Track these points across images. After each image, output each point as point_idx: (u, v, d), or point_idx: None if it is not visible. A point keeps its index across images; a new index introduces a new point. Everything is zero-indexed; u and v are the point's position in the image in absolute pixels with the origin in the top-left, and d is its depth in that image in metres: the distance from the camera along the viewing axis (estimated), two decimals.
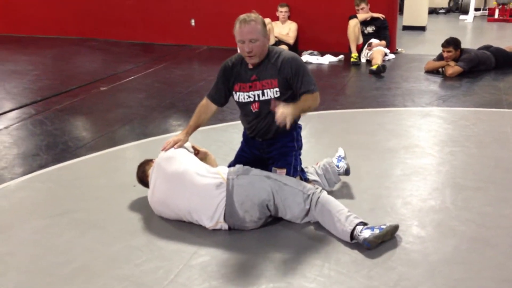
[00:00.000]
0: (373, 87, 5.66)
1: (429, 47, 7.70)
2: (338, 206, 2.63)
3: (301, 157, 3.04)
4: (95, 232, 2.74)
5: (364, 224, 2.55)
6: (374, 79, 6.02)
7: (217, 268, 2.39)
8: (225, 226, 2.67)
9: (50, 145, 4.03)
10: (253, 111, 2.88)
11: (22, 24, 9.33)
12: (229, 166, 3.00)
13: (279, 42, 7.15)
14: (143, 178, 2.96)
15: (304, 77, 2.78)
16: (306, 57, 6.95)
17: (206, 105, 3.00)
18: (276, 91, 2.81)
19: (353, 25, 6.92)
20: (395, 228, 2.57)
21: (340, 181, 3.14)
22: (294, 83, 2.79)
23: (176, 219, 2.78)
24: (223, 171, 2.74)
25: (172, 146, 2.85)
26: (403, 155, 3.68)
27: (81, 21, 8.94)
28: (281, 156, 2.93)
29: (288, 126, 2.58)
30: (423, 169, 3.43)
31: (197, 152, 3.04)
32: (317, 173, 3.09)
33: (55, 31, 9.13)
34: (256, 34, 2.70)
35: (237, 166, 2.79)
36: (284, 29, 7.36)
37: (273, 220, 2.77)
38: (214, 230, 2.68)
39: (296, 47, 7.41)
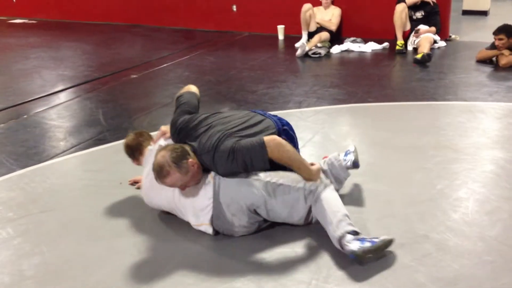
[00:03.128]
0: (414, 78, 5.22)
1: (488, 34, 7.04)
2: (335, 206, 2.36)
3: (314, 153, 2.76)
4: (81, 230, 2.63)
5: (356, 233, 2.26)
6: (418, 69, 5.57)
7: (193, 281, 2.21)
8: (209, 230, 2.48)
9: (56, 137, 4.00)
10: None
11: (73, 11, 9.50)
12: None
13: (320, 28, 6.80)
14: (135, 148, 2.80)
15: (244, 157, 2.40)
16: (347, 45, 6.57)
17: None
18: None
19: (400, 10, 6.45)
20: (389, 242, 2.27)
21: (349, 176, 2.83)
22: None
23: (164, 210, 2.64)
24: None
25: (160, 138, 2.69)
26: (430, 157, 3.31)
27: (127, 7, 8.97)
28: None
29: None
30: (450, 174, 3.06)
31: None
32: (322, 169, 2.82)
33: (103, 18, 9.22)
34: (179, 182, 2.42)
35: None
36: (327, 15, 6.99)
37: (270, 225, 2.54)
38: (202, 235, 2.49)
39: (340, 34, 7.03)
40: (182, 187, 2.45)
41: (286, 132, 2.78)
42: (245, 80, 5.39)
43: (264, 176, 2.44)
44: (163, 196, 2.58)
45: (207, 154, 2.44)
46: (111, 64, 6.28)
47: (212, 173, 2.48)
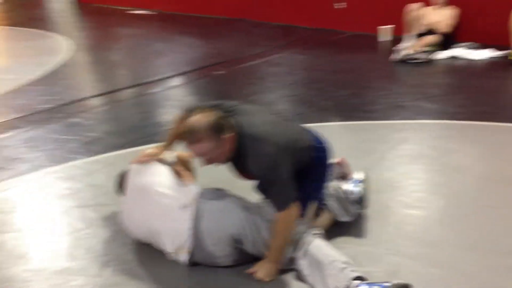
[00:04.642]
0: None
1: None
2: (330, 256, 2.02)
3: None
4: None
5: (362, 279, 1.94)
6: None
7: None
8: (185, 259, 2.19)
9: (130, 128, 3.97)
10: None
11: (182, 4, 9.72)
12: None
13: (429, 31, 6.11)
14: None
15: (274, 192, 2.11)
16: (456, 51, 5.82)
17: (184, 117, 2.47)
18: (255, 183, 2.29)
19: None
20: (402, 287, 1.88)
21: (360, 210, 2.46)
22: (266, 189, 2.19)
23: (140, 238, 2.38)
24: (194, 190, 2.24)
25: (146, 160, 2.41)
26: (488, 193, 2.71)
27: (233, 1, 8.95)
28: None
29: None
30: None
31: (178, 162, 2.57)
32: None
33: (209, 11, 9.31)
34: (208, 155, 2.10)
35: (213, 188, 2.29)
36: (438, 16, 6.26)
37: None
38: (176, 262, 2.23)
39: (452, 38, 6.23)
40: (209, 161, 2.13)
41: (320, 151, 2.40)
42: (330, 82, 4.99)
43: (254, 206, 2.18)
44: (133, 226, 2.35)
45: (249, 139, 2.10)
46: (203, 58, 6.22)
47: (194, 195, 2.20)
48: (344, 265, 1.99)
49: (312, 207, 2.36)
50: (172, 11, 9.85)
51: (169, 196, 2.24)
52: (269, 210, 2.14)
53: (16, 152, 3.59)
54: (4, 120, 4.24)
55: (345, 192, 2.46)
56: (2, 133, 3.96)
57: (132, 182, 2.38)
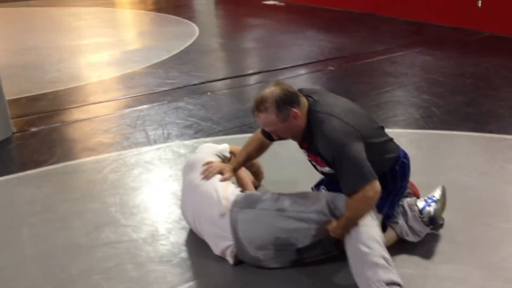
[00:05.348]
0: None
1: None
2: (376, 239, 1.95)
3: None
4: None
5: (399, 286, 1.84)
6: None
7: None
8: (231, 261, 2.18)
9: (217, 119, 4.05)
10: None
11: None
12: (317, 184, 2.40)
13: None
14: None
15: (343, 172, 1.95)
16: None
17: (259, 139, 2.40)
18: (328, 170, 2.13)
19: None
20: None
21: (426, 231, 2.24)
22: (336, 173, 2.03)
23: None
24: (231, 197, 2.16)
25: (214, 175, 2.31)
26: None
27: None
28: None
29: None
30: None
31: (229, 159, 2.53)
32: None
33: (339, 4, 9.12)
34: (271, 126, 2.05)
35: (246, 194, 2.19)
36: None
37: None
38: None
39: None
40: (275, 134, 2.11)
41: (403, 165, 2.23)
42: (448, 87, 4.57)
43: (287, 205, 2.08)
44: (190, 212, 2.36)
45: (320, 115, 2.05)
46: (321, 53, 6.11)
47: (229, 205, 2.14)
48: (383, 260, 1.89)
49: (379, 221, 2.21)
50: (306, 3, 9.83)
51: (212, 202, 2.21)
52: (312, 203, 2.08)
53: (120, 129, 3.88)
54: (119, 98, 4.61)
55: (414, 211, 2.26)
56: (121, 109, 4.30)
57: (186, 176, 2.42)
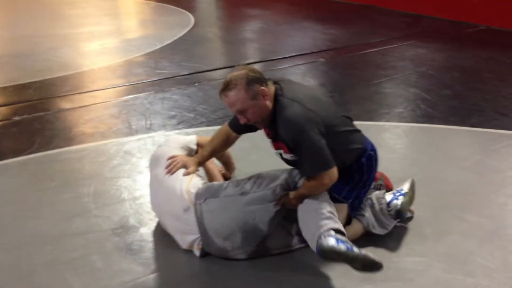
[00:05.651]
0: None
1: None
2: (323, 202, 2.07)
3: None
4: None
5: (343, 233, 1.97)
6: None
7: None
8: (198, 254, 2.18)
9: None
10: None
11: None
12: None
13: None
14: None
15: (302, 157, 2.02)
16: None
17: (225, 132, 2.40)
18: (292, 156, 2.12)
19: None
20: (370, 262, 1.90)
21: (393, 224, 2.25)
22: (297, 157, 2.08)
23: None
24: (192, 190, 2.15)
25: (178, 169, 2.29)
26: None
27: None
28: None
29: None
30: None
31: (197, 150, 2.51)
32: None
33: None
34: (240, 104, 2.03)
35: (207, 186, 2.18)
36: None
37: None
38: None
39: None
40: (243, 116, 2.09)
41: (370, 157, 2.23)
42: (437, 80, 4.53)
43: (250, 187, 2.10)
44: (156, 205, 2.37)
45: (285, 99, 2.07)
46: (314, 44, 6.06)
47: (192, 198, 2.12)
48: (331, 215, 2.00)
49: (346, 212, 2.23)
50: None
51: (175, 197, 2.19)
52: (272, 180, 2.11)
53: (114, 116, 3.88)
54: (106, 88, 4.60)
55: (382, 204, 2.25)
56: (107, 98, 4.30)
57: (151, 171, 2.42)
